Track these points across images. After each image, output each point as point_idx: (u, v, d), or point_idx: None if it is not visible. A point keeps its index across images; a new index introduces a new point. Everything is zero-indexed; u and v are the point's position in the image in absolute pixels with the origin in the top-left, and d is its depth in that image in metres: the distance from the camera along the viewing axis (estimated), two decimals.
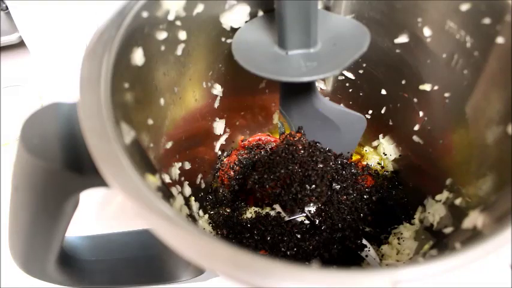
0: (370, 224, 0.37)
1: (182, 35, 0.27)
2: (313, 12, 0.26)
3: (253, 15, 0.31)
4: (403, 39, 0.31)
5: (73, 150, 0.19)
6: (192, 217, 0.33)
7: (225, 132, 0.40)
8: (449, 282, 0.14)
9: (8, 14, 0.57)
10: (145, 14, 0.23)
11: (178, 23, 0.26)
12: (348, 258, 0.34)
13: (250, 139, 0.44)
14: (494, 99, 0.26)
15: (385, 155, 0.41)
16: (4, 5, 0.56)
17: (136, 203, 0.16)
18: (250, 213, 0.38)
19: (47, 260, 0.26)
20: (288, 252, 0.34)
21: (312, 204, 0.36)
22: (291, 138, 0.36)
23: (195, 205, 0.35)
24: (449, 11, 0.27)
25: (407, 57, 0.32)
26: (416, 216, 0.35)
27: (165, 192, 0.26)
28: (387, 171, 0.41)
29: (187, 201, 0.33)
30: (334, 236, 0.35)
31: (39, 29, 0.49)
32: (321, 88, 0.40)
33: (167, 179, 0.29)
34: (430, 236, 0.32)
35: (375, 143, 0.42)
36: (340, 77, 0.39)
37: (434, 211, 0.32)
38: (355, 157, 0.43)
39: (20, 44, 0.60)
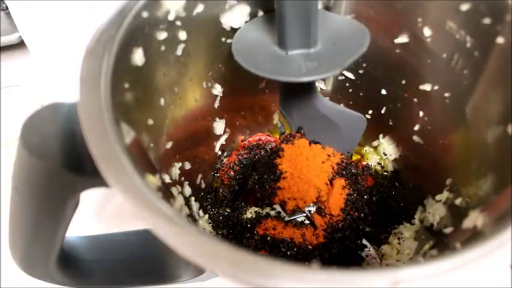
0: (370, 224, 0.37)
1: (182, 35, 0.27)
2: (313, 12, 0.26)
3: (253, 15, 0.31)
4: (403, 39, 0.31)
5: (73, 150, 0.19)
6: (192, 217, 0.33)
7: (225, 132, 0.40)
8: (449, 282, 0.14)
9: (8, 14, 0.57)
10: (145, 14, 0.23)
11: (178, 23, 0.26)
12: (348, 258, 0.34)
13: (250, 139, 0.44)
14: (494, 99, 0.26)
15: (385, 155, 0.41)
16: (4, 5, 0.56)
17: (136, 203, 0.16)
18: (250, 213, 0.38)
19: (47, 260, 0.26)
20: (288, 252, 0.34)
21: (312, 204, 0.36)
22: (291, 138, 0.36)
23: (195, 205, 0.35)
24: (449, 11, 0.27)
25: (407, 57, 0.32)
26: (417, 216, 0.35)
27: (165, 192, 0.26)
28: (387, 171, 0.41)
29: (187, 201, 0.33)
30: (334, 236, 0.35)
31: (39, 29, 0.49)
32: (321, 88, 0.40)
33: (167, 179, 0.29)
34: (430, 236, 0.32)
35: (375, 143, 0.42)
36: (340, 77, 0.39)
37: (435, 211, 0.32)
38: (355, 157, 0.43)
39: (20, 44, 0.60)
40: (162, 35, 0.26)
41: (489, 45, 0.25)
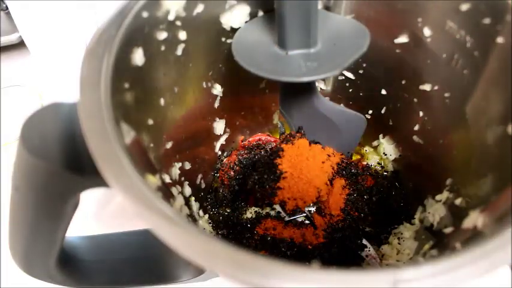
0: (370, 224, 0.37)
1: (182, 35, 0.27)
2: (313, 12, 0.26)
3: (253, 15, 0.31)
4: (403, 39, 0.31)
5: (73, 150, 0.19)
6: (192, 217, 0.33)
7: (225, 132, 0.40)
8: (449, 282, 0.14)
9: (8, 14, 0.57)
10: (145, 14, 0.23)
11: (178, 23, 0.26)
12: (348, 258, 0.34)
13: (250, 139, 0.44)
14: (494, 99, 0.26)
15: (385, 155, 0.41)
16: (4, 5, 0.56)
17: (136, 203, 0.16)
18: (250, 213, 0.38)
19: (47, 260, 0.26)
20: (288, 252, 0.34)
21: (312, 204, 0.36)
22: (291, 138, 0.36)
23: (195, 205, 0.35)
24: (449, 11, 0.27)
25: (407, 57, 0.32)
26: (417, 216, 0.35)
27: (165, 192, 0.26)
28: (387, 171, 0.41)
29: (187, 201, 0.33)
30: (334, 236, 0.35)
31: (39, 29, 0.49)
32: (321, 88, 0.40)
33: (167, 179, 0.29)
34: (430, 236, 0.32)
35: (375, 143, 0.42)
36: (340, 77, 0.39)
37: (435, 211, 0.32)
38: (355, 157, 0.43)
39: (20, 44, 0.60)
40: (162, 35, 0.26)
41: (489, 45, 0.25)
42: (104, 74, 0.19)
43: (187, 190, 0.34)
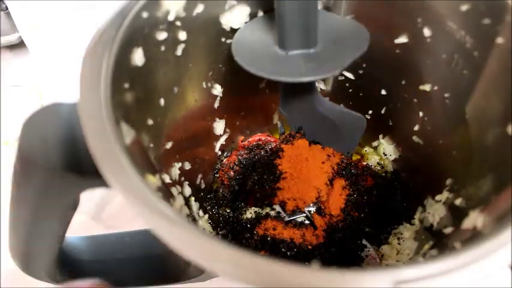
0: (370, 224, 0.37)
1: (182, 35, 0.27)
2: (313, 13, 0.26)
3: (253, 15, 0.31)
4: (402, 39, 0.31)
5: (73, 150, 0.19)
6: (192, 217, 0.33)
7: (225, 132, 0.40)
8: (449, 282, 0.14)
9: (8, 14, 0.57)
10: (145, 14, 0.23)
11: (178, 23, 0.26)
12: (348, 258, 0.34)
13: (250, 139, 0.44)
14: (494, 99, 0.26)
15: (385, 155, 0.41)
16: (4, 5, 0.56)
17: (136, 203, 0.16)
18: (250, 213, 0.38)
19: (47, 260, 0.26)
20: (288, 253, 0.34)
21: (311, 205, 0.36)
22: (291, 138, 0.36)
23: (195, 205, 0.35)
24: (449, 11, 0.27)
25: (407, 57, 0.32)
26: (416, 216, 0.35)
27: (165, 192, 0.26)
28: (387, 172, 0.41)
29: (187, 201, 0.33)
30: (334, 236, 0.35)
31: (39, 29, 0.49)
32: (320, 88, 0.40)
33: (167, 179, 0.29)
34: (430, 236, 0.32)
35: (374, 143, 0.42)
36: (340, 77, 0.39)
37: (434, 211, 0.32)
38: (355, 157, 0.43)
39: (20, 44, 0.60)
40: (162, 35, 0.26)
41: (489, 46, 0.25)
42: (104, 74, 0.19)
43: (187, 190, 0.34)
